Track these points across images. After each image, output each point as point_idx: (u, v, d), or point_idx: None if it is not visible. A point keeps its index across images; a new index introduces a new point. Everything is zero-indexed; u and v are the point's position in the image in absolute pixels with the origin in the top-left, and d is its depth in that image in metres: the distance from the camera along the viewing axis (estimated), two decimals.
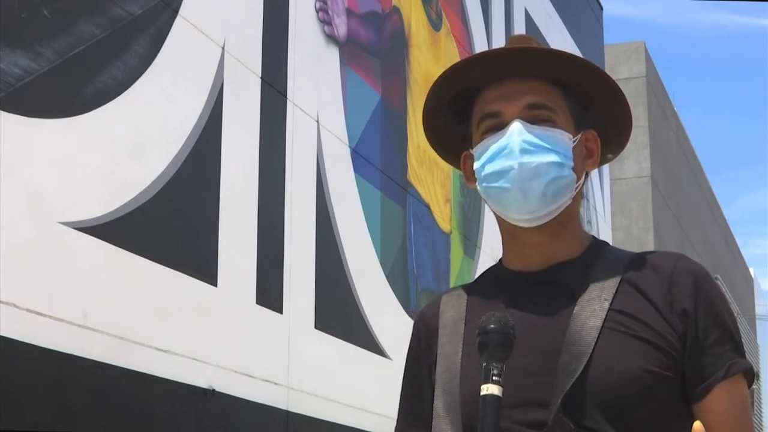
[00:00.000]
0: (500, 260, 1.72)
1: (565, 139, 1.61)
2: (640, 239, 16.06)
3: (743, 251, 29.08)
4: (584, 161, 1.67)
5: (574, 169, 1.62)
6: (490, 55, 1.65)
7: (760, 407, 26.81)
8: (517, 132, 1.59)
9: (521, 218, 1.62)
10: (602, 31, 11.72)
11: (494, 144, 1.61)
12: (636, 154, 16.37)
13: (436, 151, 1.79)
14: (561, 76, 1.64)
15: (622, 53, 17.06)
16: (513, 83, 1.63)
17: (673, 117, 19.66)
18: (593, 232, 10.39)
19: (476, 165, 1.64)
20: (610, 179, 12.43)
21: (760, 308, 30.79)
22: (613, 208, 13.46)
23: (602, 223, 11.02)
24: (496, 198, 1.62)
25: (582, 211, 10.56)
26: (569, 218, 1.65)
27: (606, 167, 11.72)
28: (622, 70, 16.90)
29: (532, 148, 1.58)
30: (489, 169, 1.61)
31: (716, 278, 21.37)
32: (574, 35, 10.07)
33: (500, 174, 1.60)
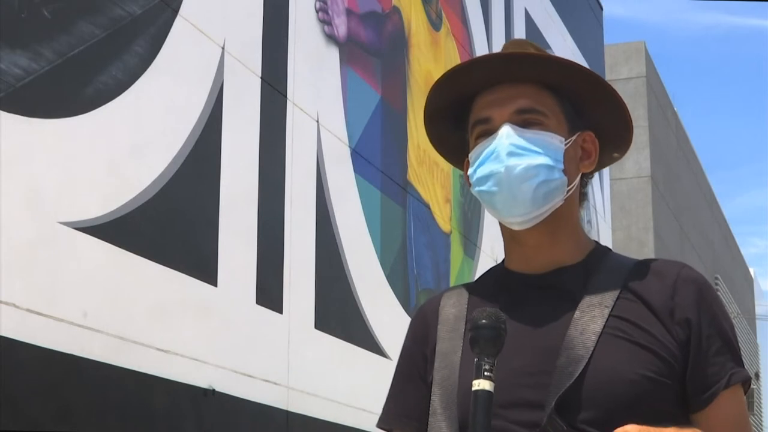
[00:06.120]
0: (503, 261, 1.73)
1: (555, 141, 1.63)
2: (640, 239, 16.06)
3: (741, 251, 29.09)
4: (579, 163, 1.69)
5: (565, 171, 1.63)
6: (483, 60, 1.68)
7: (760, 407, 26.80)
8: (505, 136, 1.61)
9: (513, 221, 1.64)
10: (602, 32, 11.70)
11: (484, 149, 1.63)
12: (636, 154, 16.37)
13: (444, 157, 1.83)
14: (552, 80, 1.65)
15: (621, 53, 17.06)
16: (504, 88, 1.65)
17: (673, 117, 19.66)
18: (593, 232, 10.41)
19: (470, 170, 1.66)
20: (610, 179, 12.43)
21: (760, 308, 30.80)
22: (613, 208, 13.46)
23: (602, 223, 11.01)
24: (488, 201, 1.65)
25: (582, 211, 10.55)
26: (565, 219, 1.67)
27: (606, 167, 11.70)
28: (622, 70, 16.90)
29: (520, 151, 1.60)
30: (479, 173, 1.64)
31: (716, 278, 21.41)
32: (574, 35, 10.07)
33: (488, 177, 1.62)
